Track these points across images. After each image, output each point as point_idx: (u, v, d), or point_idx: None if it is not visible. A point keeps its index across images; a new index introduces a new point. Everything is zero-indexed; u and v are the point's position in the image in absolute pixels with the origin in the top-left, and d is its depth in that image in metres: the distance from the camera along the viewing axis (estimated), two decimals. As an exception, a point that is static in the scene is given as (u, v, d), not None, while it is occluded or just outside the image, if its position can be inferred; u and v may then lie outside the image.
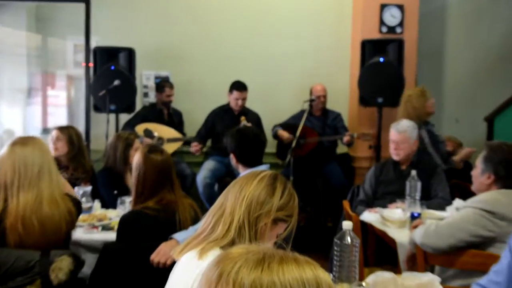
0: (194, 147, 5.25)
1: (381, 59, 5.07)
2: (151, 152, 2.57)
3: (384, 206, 3.52)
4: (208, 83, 5.89)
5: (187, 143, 5.45)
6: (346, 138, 5.06)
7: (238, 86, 5.26)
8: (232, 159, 3.01)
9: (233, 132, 3.05)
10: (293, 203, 1.62)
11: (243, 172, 2.95)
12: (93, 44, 5.32)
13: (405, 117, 4.09)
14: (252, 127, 4.65)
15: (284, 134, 5.31)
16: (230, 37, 5.90)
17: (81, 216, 2.87)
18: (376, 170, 3.88)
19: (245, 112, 5.35)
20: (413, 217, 3.09)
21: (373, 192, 3.83)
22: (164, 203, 2.51)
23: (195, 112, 5.80)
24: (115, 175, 3.64)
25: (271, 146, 5.28)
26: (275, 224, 1.58)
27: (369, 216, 3.41)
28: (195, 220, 2.52)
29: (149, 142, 5.10)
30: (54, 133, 3.78)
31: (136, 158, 2.58)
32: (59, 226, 2.38)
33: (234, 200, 1.57)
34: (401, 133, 3.72)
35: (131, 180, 2.58)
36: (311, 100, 5.28)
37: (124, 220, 2.53)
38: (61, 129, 3.81)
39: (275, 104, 5.89)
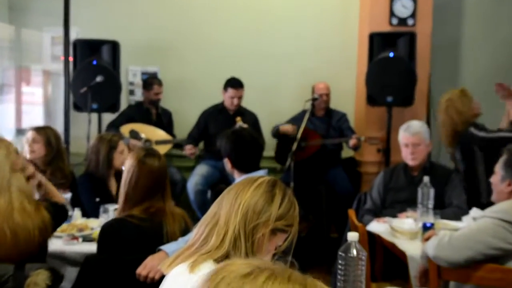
0: (189, 150, 5.26)
1: (391, 54, 5.09)
2: (147, 156, 2.57)
3: (394, 215, 3.52)
4: (200, 80, 5.90)
5: (177, 145, 5.46)
6: (352, 141, 5.08)
7: (234, 83, 5.27)
8: (227, 164, 3.01)
9: (228, 134, 3.05)
10: (294, 211, 1.62)
11: (239, 178, 2.95)
12: (73, 36, 5.32)
13: (450, 125, 4.10)
14: (248, 128, 4.66)
15: (288, 127, 5.32)
16: (226, 30, 5.92)
17: (60, 226, 2.87)
18: (385, 176, 3.90)
19: (241, 112, 5.36)
20: (425, 228, 3.10)
21: (382, 200, 3.85)
22: (152, 211, 2.52)
23: (185, 112, 5.81)
24: (98, 181, 3.65)
25: (269, 149, 5.29)
26: (273, 234, 1.59)
27: (377, 226, 3.41)
28: (185, 232, 2.52)
29: (136, 144, 5.11)
30: (29, 134, 3.78)
31: (129, 162, 2.58)
32: (33, 236, 2.37)
33: (228, 209, 1.57)
34: (415, 135, 3.74)
35: (121, 184, 2.59)
36: (314, 99, 5.29)
37: (105, 229, 2.53)
38: (37, 129, 3.82)
39: (274, 105, 5.91)
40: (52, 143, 3.82)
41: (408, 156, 3.77)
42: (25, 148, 3.77)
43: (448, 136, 4.30)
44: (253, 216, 1.56)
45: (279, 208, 1.59)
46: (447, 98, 4.33)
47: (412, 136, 3.74)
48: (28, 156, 3.76)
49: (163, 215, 2.53)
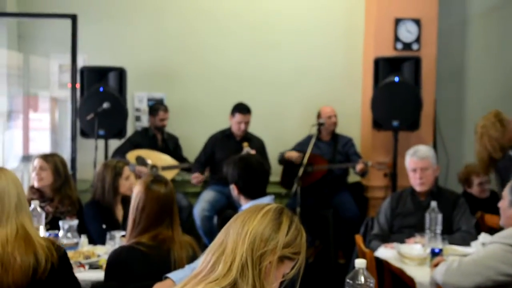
0: (195, 178, 5.28)
1: (396, 79, 5.11)
2: (154, 182, 2.59)
3: (402, 241, 3.49)
4: (206, 105, 5.93)
5: (184, 170, 5.47)
6: (359, 166, 5.08)
7: (241, 109, 5.30)
8: (233, 190, 3.02)
9: (235, 161, 3.06)
10: (301, 239, 1.62)
11: (246, 204, 2.96)
12: (80, 63, 5.37)
13: (488, 151, 4.05)
14: (255, 155, 4.67)
15: (293, 153, 5.33)
16: (230, 56, 5.96)
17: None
18: (392, 201, 3.88)
19: (248, 137, 5.37)
20: (433, 254, 3.08)
21: (389, 225, 3.82)
22: (160, 239, 2.52)
23: (191, 137, 5.82)
24: (104, 208, 3.64)
25: (275, 174, 5.28)
26: (281, 262, 1.59)
27: (385, 252, 3.39)
28: (192, 260, 2.52)
29: (142, 170, 5.12)
30: (37, 162, 3.78)
31: (137, 188, 2.59)
32: (37, 267, 2.33)
33: (236, 237, 1.57)
34: (423, 159, 3.73)
35: (130, 210, 2.59)
36: (320, 124, 5.31)
37: (113, 256, 2.52)
38: (45, 157, 3.82)
39: (279, 130, 5.93)
40: (59, 170, 3.81)
41: (416, 181, 3.76)
42: (32, 175, 3.78)
43: (485, 163, 4.21)
44: (260, 244, 1.55)
45: (286, 235, 1.58)
46: (482, 124, 4.22)
47: (420, 161, 3.73)
48: (36, 184, 3.77)
49: (171, 243, 2.53)
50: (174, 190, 2.66)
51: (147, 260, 2.47)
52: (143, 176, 2.70)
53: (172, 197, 2.61)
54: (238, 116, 5.29)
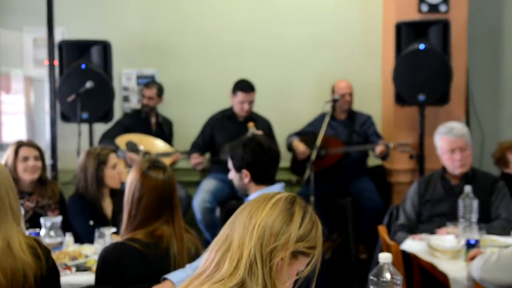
0: (194, 159, 5.28)
1: (422, 46, 5.08)
2: (151, 169, 2.57)
3: (432, 231, 3.52)
4: (203, 84, 5.92)
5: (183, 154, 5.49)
6: (379, 149, 5.08)
7: (244, 86, 5.29)
8: (243, 177, 2.98)
9: (244, 142, 3.03)
10: (316, 231, 1.61)
11: (256, 192, 2.95)
12: (58, 37, 5.36)
13: None
14: (264, 136, 4.67)
15: (300, 146, 5.33)
16: (232, 25, 5.94)
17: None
18: (420, 186, 3.89)
19: (253, 117, 5.37)
20: (469, 245, 3.08)
21: (417, 214, 3.84)
22: (157, 235, 2.52)
23: (187, 120, 5.84)
24: (90, 202, 3.65)
25: (284, 160, 5.29)
26: (294, 258, 1.59)
27: (413, 245, 3.40)
28: (194, 258, 2.52)
29: (133, 158, 5.12)
30: (28, 151, 3.78)
31: (131, 176, 2.58)
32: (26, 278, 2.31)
33: (242, 230, 1.56)
34: (461, 137, 3.73)
35: (124, 201, 2.58)
36: (334, 100, 5.30)
37: (105, 255, 2.51)
38: (34, 145, 3.83)
39: (288, 108, 5.93)
40: (44, 160, 3.85)
41: (455, 164, 3.74)
42: (20, 167, 3.77)
43: None
44: (271, 238, 1.55)
45: (299, 228, 1.58)
46: None
47: (458, 139, 3.72)
48: (29, 176, 3.76)
49: (170, 239, 2.53)
50: (174, 178, 2.65)
51: (144, 260, 2.47)
52: (138, 162, 2.69)
53: (173, 185, 2.59)
54: (240, 95, 5.29)
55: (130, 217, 2.55)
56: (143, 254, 2.47)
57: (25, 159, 3.75)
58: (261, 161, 2.97)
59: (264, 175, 2.98)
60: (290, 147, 5.44)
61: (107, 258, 2.49)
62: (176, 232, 2.55)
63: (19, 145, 3.79)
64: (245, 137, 3.20)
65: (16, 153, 3.76)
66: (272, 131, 5.45)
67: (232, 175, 3.04)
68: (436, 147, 3.87)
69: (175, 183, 2.62)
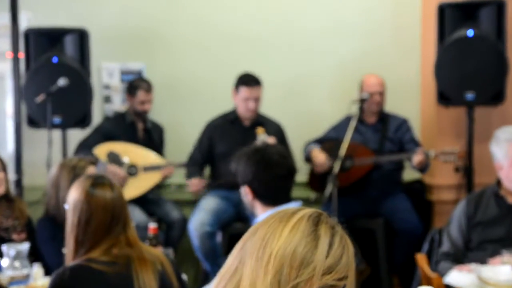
0: (194, 186, 5.29)
1: (471, 32, 5.08)
2: (96, 186, 2.69)
3: (483, 261, 3.52)
4: (200, 80, 5.92)
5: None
6: (417, 158, 5.06)
7: (247, 81, 5.28)
8: (246, 195, 3.02)
9: (248, 154, 3.07)
10: (347, 257, 1.57)
11: (263, 214, 2.98)
12: (23, 24, 5.38)
13: None
14: (276, 145, 4.64)
15: (319, 156, 5.31)
16: (235, 10, 5.94)
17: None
18: (469, 206, 3.88)
19: (261, 121, 5.36)
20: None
21: (465, 239, 3.83)
22: (115, 253, 2.63)
23: (181, 125, 5.86)
24: (62, 225, 3.62)
25: (301, 173, 5.25)
26: (320, 295, 1.54)
27: (460, 277, 3.40)
28: (162, 277, 2.65)
29: (116, 171, 5.11)
30: None
31: (73, 195, 2.69)
32: None
33: (255, 264, 1.52)
34: None
35: (67, 226, 2.72)
36: (362, 100, 5.29)
37: (59, 282, 2.58)
38: None
39: (304, 110, 5.93)
40: (6, 172, 3.87)
41: None
42: None
43: None
44: (291, 273, 1.50)
45: (326, 256, 1.54)
46: None
47: None
48: None
49: (130, 255, 2.65)
50: (122, 192, 2.78)
51: (104, 280, 2.56)
52: (80, 179, 2.80)
53: (123, 201, 2.75)
54: (243, 91, 5.27)
55: (77, 243, 2.67)
56: (102, 274, 2.58)
57: None
58: (265, 178, 3.01)
59: (269, 194, 3.02)
60: (308, 158, 5.40)
61: (62, 285, 2.57)
62: (132, 245, 2.69)
63: None
64: (250, 148, 3.24)
65: None
66: (284, 138, 5.45)
67: (241, 191, 3.10)
68: (493, 157, 3.85)
69: (124, 199, 2.76)
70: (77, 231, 2.65)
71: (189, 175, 5.36)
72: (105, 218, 2.65)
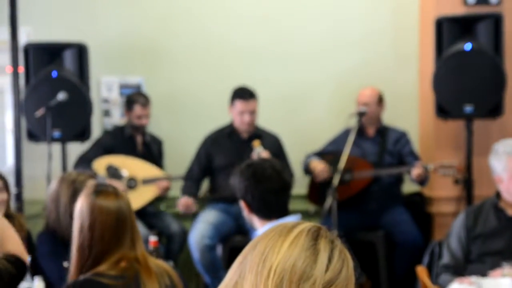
0: (182, 204, 5.28)
1: (468, 46, 5.08)
2: (99, 194, 2.66)
3: (484, 273, 3.51)
4: (200, 93, 5.93)
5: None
6: (416, 171, 5.07)
7: (241, 94, 5.31)
8: (244, 209, 3.04)
9: (242, 169, 3.07)
10: (347, 271, 1.57)
11: (261, 228, 2.98)
12: (23, 38, 5.38)
13: None
14: (271, 158, 4.64)
15: (318, 165, 5.31)
16: (233, 23, 5.95)
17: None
18: (468, 218, 3.89)
19: (259, 134, 5.37)
20: (530, 291, 3.06)
21: (465, 252, 3.83)
22: (123, 266, 2.58)
23: (180, 138, 5.85)
24: (63, 239, 3.63)
25: (300, 185, 5.26)
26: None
27: (461, 290, 3.38)
28: None
29: (116, 185, 5.10)
30: None
31: (79, 205, 2.65)
32: None
33: (255, 278, 1.52)
34: None
35: (73, 237, 2.67)
36: (361, 114, 5.29)
37: None
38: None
39: (302, 122, 5.93)
40: (9, 190, 3.86)
41: None
42: None
43: None
44: (291, 287, 1.50)
45: (326, 270, 1.54)
46: None
47: None
48: None
49: (139, 269, 2.62)
50: (129, 200, 2.75)
51: None
52: (85, 188, 2.79)
53: (128, 209, 2.71)
54: (238, 104, 5.29)
55: (82, 256, 2.63)
56: None
57: None
58: (258, 193, 3.02)
59: (263, 208, 3.02)
60: (307, 170, 5.41)
61: None
62: (140, 260, 2.65)
63: None
64: (244, 163, 3.23)
65: None
66: (282, 150, 5.45)
67: (240, 204, 3.11)
68: (492, 170, 3.85)
69: (131, 206, 2.73)
70: (81, 243, 2.62)
71: (183, 192, 5.35)
72: (109, 228, 2.63)
